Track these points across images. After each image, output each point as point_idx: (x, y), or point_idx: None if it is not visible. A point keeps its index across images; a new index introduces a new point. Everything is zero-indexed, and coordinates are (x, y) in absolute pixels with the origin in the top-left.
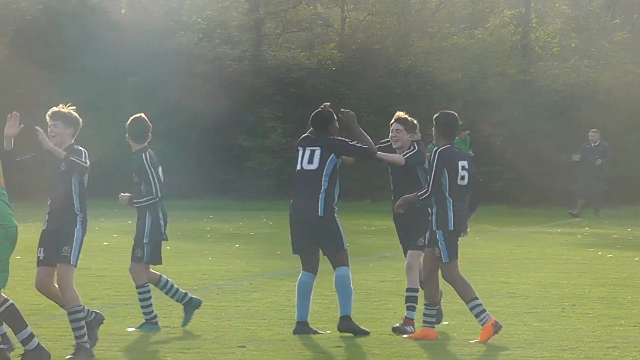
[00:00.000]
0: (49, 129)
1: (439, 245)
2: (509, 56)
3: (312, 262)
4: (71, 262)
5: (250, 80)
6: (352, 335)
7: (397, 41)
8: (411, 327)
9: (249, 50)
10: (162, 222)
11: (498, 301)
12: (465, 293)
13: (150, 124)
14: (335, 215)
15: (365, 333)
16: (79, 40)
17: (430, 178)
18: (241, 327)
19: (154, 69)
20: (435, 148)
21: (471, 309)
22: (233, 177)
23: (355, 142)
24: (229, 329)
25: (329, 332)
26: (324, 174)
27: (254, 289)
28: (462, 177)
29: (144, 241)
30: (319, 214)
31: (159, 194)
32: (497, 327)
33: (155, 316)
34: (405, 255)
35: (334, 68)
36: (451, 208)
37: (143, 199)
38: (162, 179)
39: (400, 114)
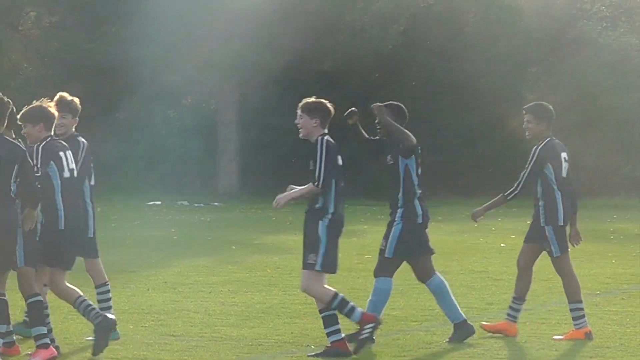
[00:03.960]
0: None
1: (549, 240)
2: None
3: None
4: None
5: None
6: None
7: None
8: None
9: None
10: None
11: None
12: (572, 291)
13: None
14: None
15: None
16: (478, 27)
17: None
18: None
19: (556, 58)
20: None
21: (571, 310)
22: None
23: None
24: (634, 335)
25: None
26: None
27: None
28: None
29: None
30: None
31: None
32: (588, 337)
33: None
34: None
35: None
36: (560, 202)
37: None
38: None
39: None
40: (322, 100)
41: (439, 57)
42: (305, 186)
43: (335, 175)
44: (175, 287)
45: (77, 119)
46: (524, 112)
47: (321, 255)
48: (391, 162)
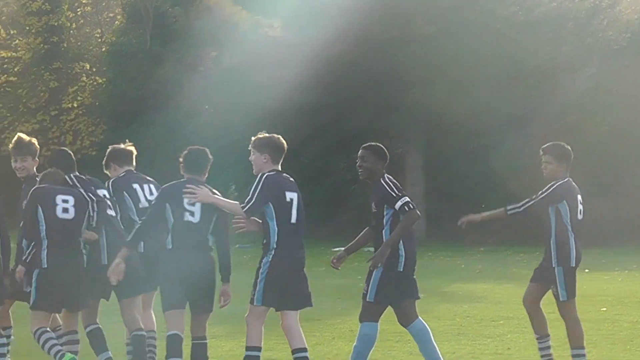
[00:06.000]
0: None
1: (557, 282)
2: None
3: None
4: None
5: None
6: None
7: None
8: None
9: None
10: None
11: None
12: (575, 337)
13: None
14: None
15: None
16: None
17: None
18: None
19: None
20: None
21: (573, 356)
22: None
23: None
24: None
25: None
26: None
27: None
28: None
29: None
30: None
31: None
32: None
33: None
34: None
35: None
36: (573, 243)
37: None
38: None
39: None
40: (275, 136)
41: (630, 102)
42: (234, 202)
43: (278, 211)
44: None
45: (37, 159)
46: (542, 152)
47: (259, 290)
48: (375, 210)
